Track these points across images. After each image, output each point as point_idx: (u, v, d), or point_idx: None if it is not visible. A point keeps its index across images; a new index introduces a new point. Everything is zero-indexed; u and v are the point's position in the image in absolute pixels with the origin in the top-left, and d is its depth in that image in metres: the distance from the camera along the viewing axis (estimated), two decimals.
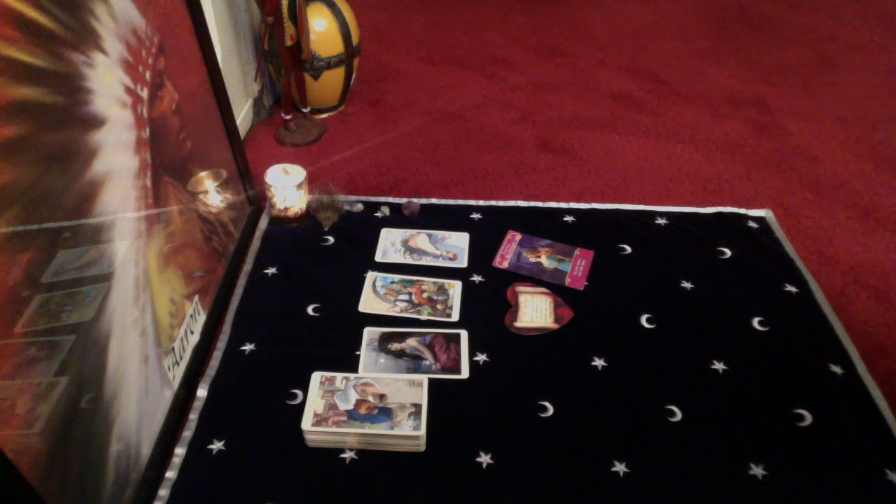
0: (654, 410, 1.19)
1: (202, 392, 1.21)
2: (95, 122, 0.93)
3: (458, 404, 1.20)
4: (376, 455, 1.11)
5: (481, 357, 1.29)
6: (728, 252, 1.56)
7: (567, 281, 1.46)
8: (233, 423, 1.16)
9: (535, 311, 1.38)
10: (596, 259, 1.53)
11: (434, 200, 1.72)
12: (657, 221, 1.66)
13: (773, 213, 1.71)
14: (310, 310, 1.38)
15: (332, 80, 2.03)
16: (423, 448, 1.12)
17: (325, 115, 2.12)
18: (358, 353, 1.28)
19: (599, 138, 2.04)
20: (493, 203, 1.72)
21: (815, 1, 3.08)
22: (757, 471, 1.10)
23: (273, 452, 1.11)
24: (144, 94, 1.08)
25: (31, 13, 0.80)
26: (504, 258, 1.52)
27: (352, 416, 1.13)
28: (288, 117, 1.97)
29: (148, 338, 1.08)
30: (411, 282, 1.45)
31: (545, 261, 1.52)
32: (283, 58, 1.85)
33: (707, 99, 2.27)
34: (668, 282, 1.47)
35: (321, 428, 1.11)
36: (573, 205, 1.72)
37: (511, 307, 1.40)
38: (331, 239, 1.57)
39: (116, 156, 0.98)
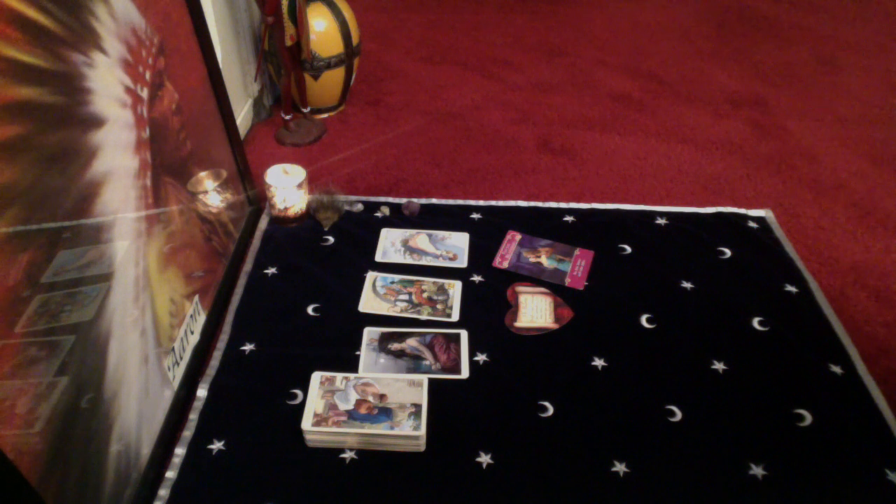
0: (654, 410, 1.19)
1: (202, 392, 1.21)
2: (95, 122, 0.93)
3: (458, 404, 1.20)
4: (376, 455, 1.11)
5: (481, 357, 1.29)
6: (728, 252, 1.56)
7: (567, 281, 1.46)
8: (233, 423, 1.16)
9: (535, 311, 1.38)
10: (596, 259, 1.53)
11: (434, 200, 1.72)
12: (657, 221, 1.66)
13: (773, 213, 1.71)
14: (310, 310, 1.38)
15: (332, 80, 2.03)
16: (423, 448, 1.12)
17: (325, 115, 2.12)
18: (358, 353, 1.28)
19: (599, 138, 2.04)
20: (493, 203, 1.72)
21: (815, 1, 3.08)
22: (757, 471, 1.10)
23: (273, 452, 1.11)
24: (144, 94, 1.08)
25: (31, 13, 0.80)
26: (504, 258, 1.52)
27: (352, 416, 1.13)
28: (288, 117, 1.97)
29: (148, 338, 1.08)
30: (411, 282, 1.45)
31: (545, 261, 1.52)
32: (283, 58, 1.85)
33: (707, 99, 2.27)
34: (668, 282, 1.47)
35: (321, 428, 1.11)
36: (573, 205, 1.72)
37: (511, 307, 1.40)
38: (331, 239, 1.57)
39: (116, 156, 0.98)
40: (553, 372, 1.26)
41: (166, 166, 1.17)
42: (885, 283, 1.51)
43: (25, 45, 0.79)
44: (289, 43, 1.81)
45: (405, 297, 1.41)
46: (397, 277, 1.46)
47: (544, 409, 1.19)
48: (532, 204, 1.72)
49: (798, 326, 1.37)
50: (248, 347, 1.30)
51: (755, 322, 1.37)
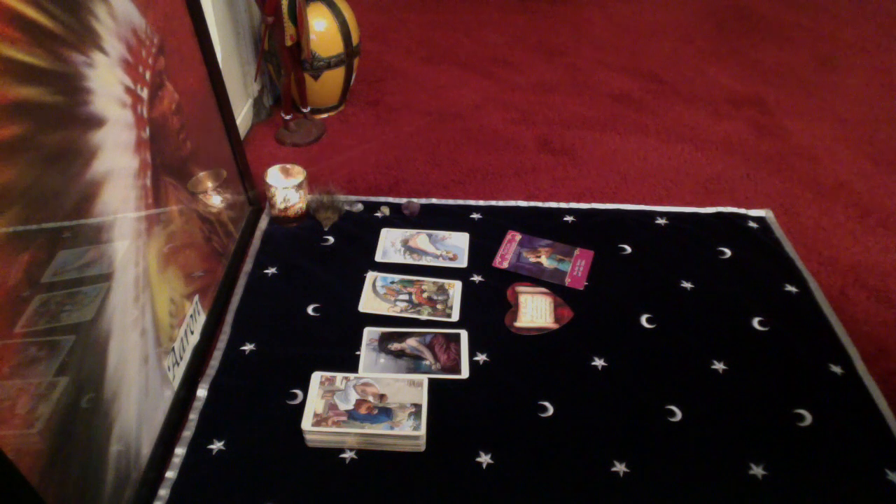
0: (654, 410, 1.19)
1: (202, 392, 1.21)
2: (95, 122, 0.93)
3: (458, 404, 1.20)
4: (376, 455, 1.11)
5: (481, 357, 1.29)
6: (728, 252, 1.56)
7: (567, 281, 1.46)
8: (233, 423, 1.16)
9: (535, 311, 1.38)
10: (596, 259, 1.53)
11: (434, 200, 1.72)
12: (657, 221, 1.66)
13: (773, 213, 1.71)
14: (310, 310, 1.38)
15: (332, 80, 2.03)
16: (423, 448, 1.12)
17: (325, 115, 2.12)
18: (358, 353, 1.28)
19: (599, 138, 2.04)
20: (493, 203, 1.72)
21: (815, 1, 3.08)
22: (757, 471, 1.10)
23: (273, 452, 1.11)
24: (144, 94, 1.08)
25: (31, 13, 0.80)
26: (504, 258, 1.52)
27: (352, 416, 1.13)
28: (288, 117, 1.97)
29: (148, 338, 1.08)
30: (411, 282, 1.45)
31: (545, 261, 1.52)
32: (283, 58, 1.85)
33: (707, 99, 2.27)
34: (668, 282, 1.47)
35: (321, 428, 1.11)
36: (573, 205, 1.72)
37: (511, 307, 1.40)
38: (331, 239, 1.57)
39: (116, 156, 0.98)
40: (553, 372, 1.26)
41: (166, 166, 1.17)
42: (885, 283, 1.51)
43: (25, 45, 0.79)
44: (289, 43, 1.81)
45: (405, 297, 1.41)
46: (397, 277, 1.46)
47: (544, 409, 1.19)
48: (532, 204, 1.72)
49: (798, 326, 1.37)
50: (248, 347, 1.30)
51: (755, 322, 1.37)
